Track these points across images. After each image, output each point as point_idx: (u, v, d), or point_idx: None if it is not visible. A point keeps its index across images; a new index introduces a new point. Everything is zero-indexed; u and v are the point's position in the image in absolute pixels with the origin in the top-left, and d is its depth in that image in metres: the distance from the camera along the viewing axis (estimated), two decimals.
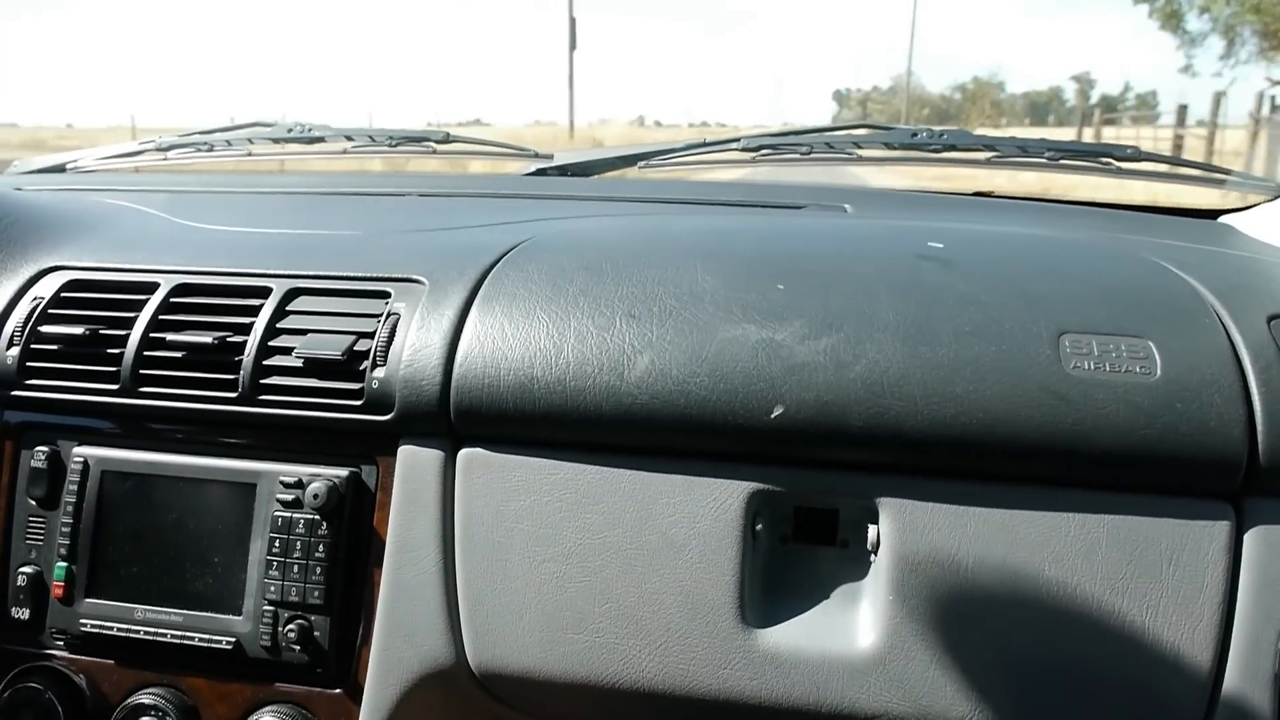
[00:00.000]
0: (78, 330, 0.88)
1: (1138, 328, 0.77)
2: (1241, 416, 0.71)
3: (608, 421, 0.78)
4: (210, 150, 1.48)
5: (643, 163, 1.37)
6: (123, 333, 0.88)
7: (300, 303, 0.88)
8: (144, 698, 0.83)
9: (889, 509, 0.74)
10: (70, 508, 0.84)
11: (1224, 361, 0.74)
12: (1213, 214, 1.20)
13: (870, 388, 0.75)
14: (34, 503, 0.86)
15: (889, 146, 1.29)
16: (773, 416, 0.75)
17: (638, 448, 0.78)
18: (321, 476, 0.81)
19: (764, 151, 1.32)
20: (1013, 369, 0.75)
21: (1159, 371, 0.74)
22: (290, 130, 1.47)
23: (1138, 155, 1.19)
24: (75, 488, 0.85)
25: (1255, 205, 1.14)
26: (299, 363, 0.84)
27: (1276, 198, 1.12)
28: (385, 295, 0.87)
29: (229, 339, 0.86)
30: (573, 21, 22.43)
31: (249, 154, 1.47)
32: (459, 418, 0.80)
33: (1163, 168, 1.18)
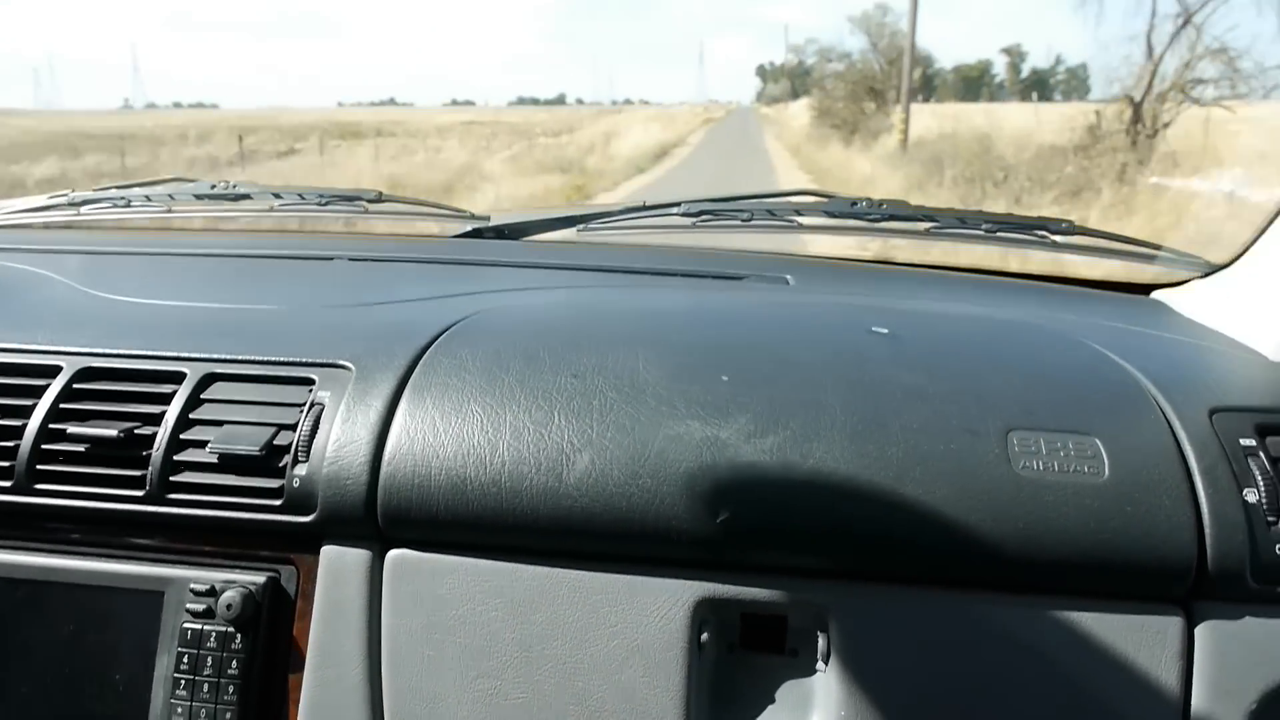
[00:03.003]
0: None
1: (1085, 424, 0.76)
2: (1190, 519, 0.71)
3: (545, 526, 0.74)
4: (127, 205, 1.41)
5: (581, 226, 1.34)
6: (19, 422, 0.81)
7: (216, 389, 0.83)
8: None
9: (838, 616, 0.72)
10: None
11: (1170, 460, 0.74)
12: (1145, 289, 1.22)
13: (818, 490, 0.72)
14: None
15: (829, 215, 1.29)
16: (718, 521, 0.72)
17: (578, 553, 0.74)
18: (236, 583, 0.76)
19: (704, 217, 1.30)
20: (962, 469, 0.73)
21: (1107, 472, 0.73)
22: (214, 187, 1.41)
23: (1072, 229, 1.20)
24: None
25: (1186, 281, 1.16)
26: (214, 458, 0.78)
27: (1205, 275, 1.13)
28: (309, 381, 0.82)
29: (137, 431, 0.80)
30: None
31: (169, 210, 1.40)
32: (387, 520, 0.76)
33: (1096, 242, 1.19)
